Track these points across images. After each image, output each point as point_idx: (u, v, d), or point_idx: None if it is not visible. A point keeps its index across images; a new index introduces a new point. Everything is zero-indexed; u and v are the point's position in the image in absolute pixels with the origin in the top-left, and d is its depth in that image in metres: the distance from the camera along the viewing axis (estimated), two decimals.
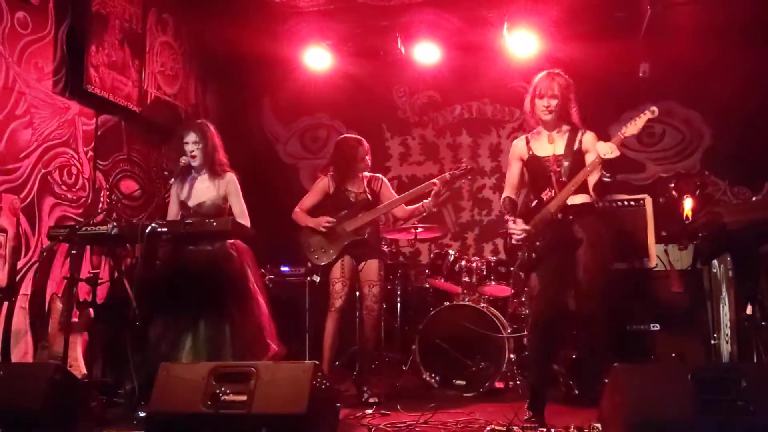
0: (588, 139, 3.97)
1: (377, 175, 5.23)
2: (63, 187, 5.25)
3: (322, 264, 4.93)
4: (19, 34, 4.89)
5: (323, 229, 4.90)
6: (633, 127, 3.74)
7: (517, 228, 3.92)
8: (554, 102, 3.98)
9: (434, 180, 4.90)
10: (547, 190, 3.95)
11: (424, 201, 4.93)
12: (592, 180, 3.85)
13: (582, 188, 3.88)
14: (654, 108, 3.73)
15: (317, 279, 5.02)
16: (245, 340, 4.27)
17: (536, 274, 3.99)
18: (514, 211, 4.08)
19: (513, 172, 4.20)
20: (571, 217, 3.90)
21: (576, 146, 3.96)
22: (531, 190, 4.12)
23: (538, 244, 3.90)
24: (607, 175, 3.76)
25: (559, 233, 3.89)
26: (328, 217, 4.92)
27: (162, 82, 6.43)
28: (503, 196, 4.20)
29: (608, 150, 3.66)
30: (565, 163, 3.92)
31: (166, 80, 6.51)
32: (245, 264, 4.47)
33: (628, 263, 5.04)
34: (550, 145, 4.02)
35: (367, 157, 5.09)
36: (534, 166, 4.07)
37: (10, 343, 4.71)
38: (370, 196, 5.03)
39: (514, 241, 3.98)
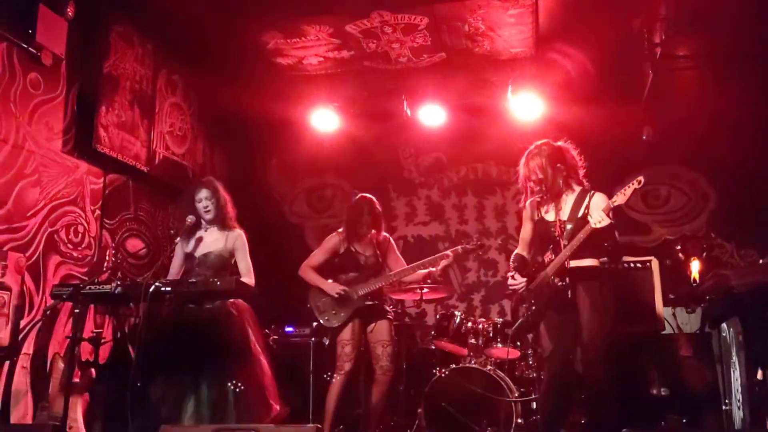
0: (596, 201, 3.99)
1: (385, 234, 5.24)
2: (69, 245, 5.25)
3: (333, 326, 4.89)
4: (31, 94, 4.97)
5: (336, 296, 4.88)
6: (621, 197, 3.85)
7: (516, 282, 4.06)
8: (537, 176, 4.06)
9: (447, 252, 4.97)
10: (548, 252, 3.99)
11: (431, 269, 4.97)
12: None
13: (589, 251, 3.89)
14: (640, 178, 3.83)
15: (326, 341, 4.98)
16: (248, 400, 4.21)
17: (543, 332, 3.99)
18: (522, 268, 4.12)
19: (525, 231, 4.29)
20: (571, 280, 3.90)
21: (582, 209, 3.98)
22: (537, 252, 4.17)
23: (534, 306, 3.93)
24: (607, 243, 3.85)
25: (558, 296, 3.90)
26: (341, 286, 4.92)
27: (170, 142, 6.50)
28: (515, 252, 4.28)
29: (598, 219, 3.73)
30: (568, 226, 3.96)
31: (175, 140, 6.58)
32: (246, 323, 4.44)
33: (636, 327, 4.98)
34: (558, 208, 4.07)
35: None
36: (541, 229, 4.13)
37: (10, 403, 4.64)
38: (380, 259, 5.06)
39: (509, 290, 4.14)
